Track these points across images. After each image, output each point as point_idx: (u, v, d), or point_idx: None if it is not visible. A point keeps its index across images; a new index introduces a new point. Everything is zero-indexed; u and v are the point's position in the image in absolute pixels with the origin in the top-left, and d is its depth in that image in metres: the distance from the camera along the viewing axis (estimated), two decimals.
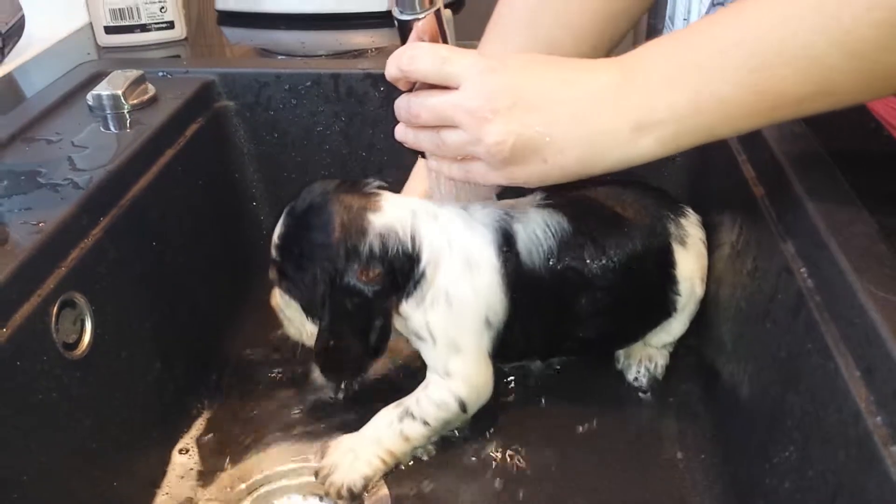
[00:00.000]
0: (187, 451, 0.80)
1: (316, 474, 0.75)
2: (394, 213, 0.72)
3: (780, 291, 0.62)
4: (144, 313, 0.76)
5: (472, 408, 0.75)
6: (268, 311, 0.81)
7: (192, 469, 0.79)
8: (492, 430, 0.79)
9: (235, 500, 0.76)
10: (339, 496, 0.73)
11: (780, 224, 0.65)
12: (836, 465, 0.50)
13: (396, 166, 0.97)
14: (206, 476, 0.78)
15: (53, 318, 0.62)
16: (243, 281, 1.00)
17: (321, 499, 0.77)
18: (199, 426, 0.83)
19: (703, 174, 0.89)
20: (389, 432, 0.74)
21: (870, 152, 0.68)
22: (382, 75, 0.92)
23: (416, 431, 0.74)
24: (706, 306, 0.81)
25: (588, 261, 0.74)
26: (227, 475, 0.78)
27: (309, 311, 0.75)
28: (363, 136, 0.97)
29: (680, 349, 0.86)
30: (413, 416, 0.74)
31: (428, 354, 0.74)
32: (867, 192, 0.60)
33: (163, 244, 0.80)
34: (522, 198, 0.78)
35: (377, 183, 0.75)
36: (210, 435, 0.82)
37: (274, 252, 0.75)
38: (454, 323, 0.72)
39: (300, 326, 0.78)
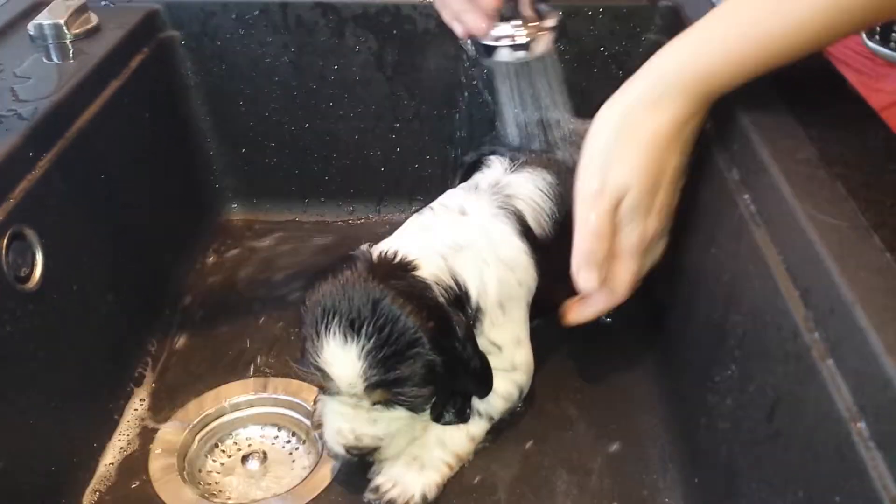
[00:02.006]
0: (142, 384, 0.81)
1: (376, 489, 0.70)
2: (427, 262, 0.67)
3: (725, 218, 0.65)
4: (95, 246, 0.75)
5: (526, 391, 0.76)
6: (218, 245, 0.80)
7: (147, 402, 0.79)
8: None
9: (193, 432, 0.77)
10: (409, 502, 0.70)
11: (725, 153, 0.67)
12: (776, 380, 0.53)
13: (348, 98, 0.97)
14: (163, 410, 0.79)
15: (3, 252, 0.61)
16: (193, 214, 0.99)
17: (279, 428, 0.78)
18: (154, 359, 0.84)
19: None
20: (457, 435, 0.72)
21: (815, 84, 0.70)
22: (332, 5, 0.92)
23: (481, 429, 0.73)
24: None
25: None
26: (183, 409, 0.78)
27: (418, 407, 0.67)
28: (313, 68, 0.95)
29: None
30: (480, 415, 0.73)
31: (495, 362, 0.71)
32: (809, 121, 0.62)
33: (111, 177, 0.79)
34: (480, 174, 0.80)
35: (365, 246, 0.69)
36: (166, 369, 0.83)
37: (366, 380, 0.63)
38: (512, 323, 0.73)
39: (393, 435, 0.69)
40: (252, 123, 0.99)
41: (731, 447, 0.61)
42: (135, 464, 0.73)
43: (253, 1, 0.93)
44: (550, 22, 0.75)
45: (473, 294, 0.69)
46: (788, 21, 0.57)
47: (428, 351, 0.63)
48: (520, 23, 0.74)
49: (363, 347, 0.61)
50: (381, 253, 0.67)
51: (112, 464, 0.73)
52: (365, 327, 0.61)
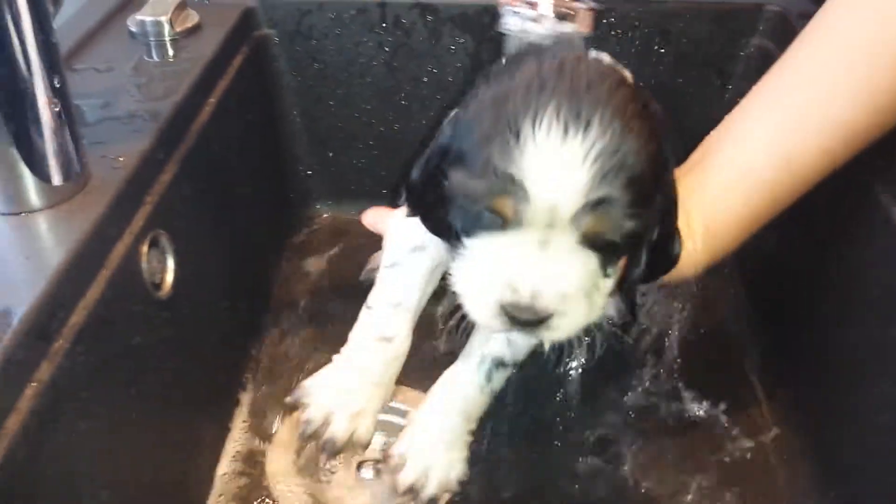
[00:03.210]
0: (252, 388, 0.80)
1: (410, 489, 0.60)
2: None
3: (878, 233, 0.63)
4: (214, 251, 0.74)
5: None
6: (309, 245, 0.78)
7: (257, 406, 0.79)
8: None
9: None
10: (448, 491, 0.61)
11: (877, 169, 0.65)
12: None
13: (441, 100, 0.95)
14: (271, 414, 0.78)
15: (144, 257, 0.60)
16: (284, 214, 0.98)
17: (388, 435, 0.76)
18: (259, 363, 0.83)
19: None
20: (479, 397, 0.62)
21: None
22: (432, 5, 0.91)
23: (502, 378, 0.63)
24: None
25: None
26: (291, 414, 0.77)
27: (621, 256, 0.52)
28: (408, 69, 0.93)
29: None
30: (505, 364, 0.62)
31: None
32: None
33: (225, 178, 0.78)
34: None
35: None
36: (272, 373, 0.82)
37: (590, 193, 0.45)
38: None
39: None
40: (342, 124, 0.97)
41: (884, 461, 0.60)
42: (251, 467, 0.73)
43: (349, 1, 0.91)
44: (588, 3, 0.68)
45: None
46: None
47: (658, 169, 0.47)
48: None
49: (593, 145, 0.44)
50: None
51: (228, 471, 0.73)
52: (598, 119, 0.44)
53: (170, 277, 0.64)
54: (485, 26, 0.91)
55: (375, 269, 0.70)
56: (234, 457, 0.74)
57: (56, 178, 0.55)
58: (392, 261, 0.62)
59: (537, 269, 0.46)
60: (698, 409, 0.78)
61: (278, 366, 0.83)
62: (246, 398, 0.79)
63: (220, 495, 0.71)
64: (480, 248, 0.48)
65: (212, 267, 0.73)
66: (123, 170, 0.60)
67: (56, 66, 0.53)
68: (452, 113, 0.52)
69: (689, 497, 0.71)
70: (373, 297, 0.63)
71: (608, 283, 0.50)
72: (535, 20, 0.66)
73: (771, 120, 0.61)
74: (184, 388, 0.67)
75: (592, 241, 0.46)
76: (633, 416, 0.77)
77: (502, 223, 0.47)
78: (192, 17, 0.84)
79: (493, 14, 0.91)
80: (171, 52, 0.80)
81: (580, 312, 0.48)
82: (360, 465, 0.74)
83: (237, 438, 0.75)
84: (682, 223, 0.57)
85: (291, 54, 0.93)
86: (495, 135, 0.45)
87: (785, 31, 0.85)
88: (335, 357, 0.63)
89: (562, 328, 0.48)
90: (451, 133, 0.49)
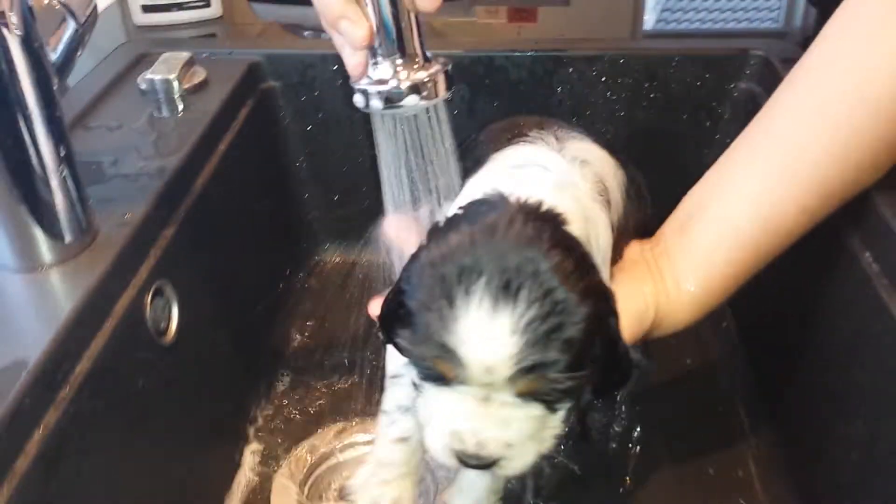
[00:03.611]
0: (257, 427, 0.84)
1: None
2: (573, 218, 0.53)
3: (843, 275, 0.66)
4: (216, 298, 0.78)
5: None
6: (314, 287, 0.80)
7: (263, 445, 0.82)
8: None
9: (307, 474, 0.79)
10: None
11: (843, 212, 0.68)
12: None
13: None
14: (277, 451, 0.81)
15: (148, 307, 0.64)
16: (289, 257, 1.02)
17: None
18: (265, 403, 0.87)
19: None
20: None
21: None
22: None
23: None
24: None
25: None
26: (297, 451, 0.81)
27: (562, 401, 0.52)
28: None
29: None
30: None
31: None
32: None
33: (226, 228, 0.82)
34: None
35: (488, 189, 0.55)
36: (277, 411, 0.86)
37: (519, 362, 0.47)
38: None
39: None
40: (345, 169, 1.01)
41: (854, 500, 0.62)
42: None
43: None
44: (439, 65, 0.61)
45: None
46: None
47: (591, 326, 0.48)
48: (402, 62, 0.59)
49: (521, 317, 0.46)
50: (520, 199, 0.51)
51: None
52: (525, 291, 0.46)
53: (174, 325, 0.68)
54: (479, 76, 0.95)
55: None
56: (243, 492, 0.77)
57: (65, 237, 0.60)
58: (393, 372, 0.66)
59: (479, 422, 0.49)
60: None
61: (286, 407, 0.86)
62: (256, 435, 0.83)
63: None
64: (432, 396, 0.52)
65: (217, 313, 0.78)
66: (128, 226, 0.64)
67: (62, 136, 0.58)
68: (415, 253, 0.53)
69: None
70: (385, 402, 0.66)
71: (558, 418, 0.52)
72: (389, 99, 0.59)
73: (751, 177, 0.62)
74: (189, 428, 0.71)
75: (531, 396, 0.49)
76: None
77: (446, 380, 0.50)
78: (200, 74, 0.89)
79: (486, 65, 0.95)
80: (179, 108, 0.85)
81: (528, 451, 0.52)
82: None
83: (246, 474, 0.79)
84: (670, 284, 0.61)
85: (296, 105, 0.98)
86: (432, 302, 0.48)
87: (770, 75, 0.88)
88: (368, 456, 0.68)
89: (512, 467, 0.52)
90: (405, 282, 0.51)
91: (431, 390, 0.51)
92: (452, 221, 0.51)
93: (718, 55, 0.94)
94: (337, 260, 1.07)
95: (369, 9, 0.57)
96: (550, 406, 0.51)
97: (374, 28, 0.57)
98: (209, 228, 0.78)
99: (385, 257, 0.73)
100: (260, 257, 0.92)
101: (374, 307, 0.61)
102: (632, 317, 0.60)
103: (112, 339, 0.59)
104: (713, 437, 0.81)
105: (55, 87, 0.58)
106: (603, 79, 0.95)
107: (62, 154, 0.58)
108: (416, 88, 0.59)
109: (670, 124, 0.96)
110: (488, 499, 0.69)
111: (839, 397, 0.65)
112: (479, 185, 0.58)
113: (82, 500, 0.55)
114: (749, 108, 0.68)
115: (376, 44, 0.58)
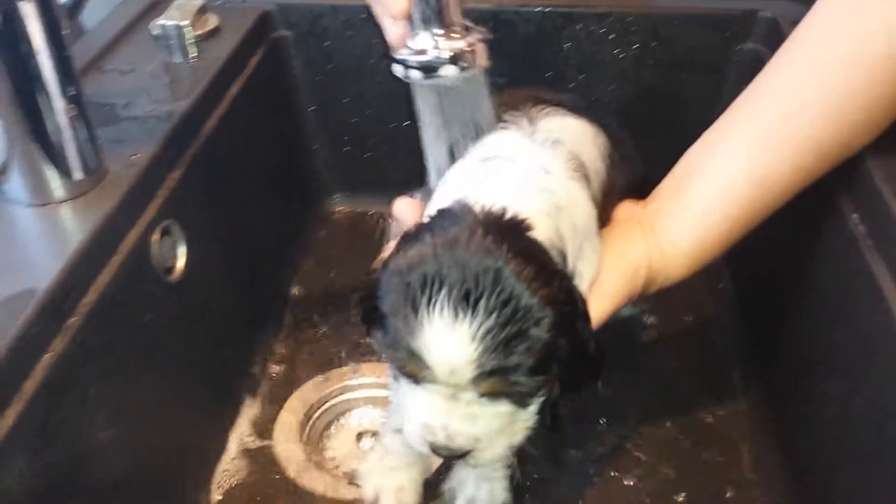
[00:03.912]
0: (261, 370, 0.87)
1: None
2: (540, 223, 0.55)
3: (832, 236, 0.67)
4: (223, 241, 0.81)
5: None
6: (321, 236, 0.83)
7: (267, 386, 0.85)
8: None
9: (311, 413, 0.83)
10: None
11: (834, 173, 0.69)
12: (884, 399, 0.56)
13: None
14: (281, 393, 0.84)
15: (155, 245, 0.67)
16: (298, 206, 1.04)
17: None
18: (270, 346, 0.90)
19: None
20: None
21: None
22: None
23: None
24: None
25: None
26: (300, 391, 0.84)
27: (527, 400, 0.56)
28: None
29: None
30: None
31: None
32: None
33: (235, 173, 0.84)
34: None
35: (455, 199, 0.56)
36: (282, 355, 0.89)
37: (479, 366, 0.50)
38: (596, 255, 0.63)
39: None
40: (355, 120, 1.03)
41: (829, 455, 0.64)
42: (258, 444, 0.79)
43: (361, 4, 0.96)
44: (478, 34, 0.61)
45: (570, 263, 0.57)
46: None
47: (554, 331, 0.51)
48: (441, 32, 0.59)
49: (480, 326, 0.49)
50: (484, 207, 0.54)
51: (238, 446, 0.79)
52: (484, 301, 0.49)
53: (180, 263, 0.71)
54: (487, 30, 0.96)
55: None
56: (245, 430, 0.80)
57: (75, 174, 0.62)
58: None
59: (447, 418, 0.53)
60: None
61: (290, 350, 0.89)
62: (258, 376, 0.86)
63: (233, 458, 0.78)
64: (407, 391, 0.55)
65: (224, 255, 0.80)
66: (136, 166, 0.67)
67: (71, 78, 0.60)
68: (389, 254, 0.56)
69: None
70: (391, 392, 0.69)
71: (530, 412, 0.56)
72: (428, 69, 0.59)
73: (748, 135, 0.64)
74: (193, 365, 0.74)
75: (495, 394, 0.53)
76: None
77: (417, 379, 0.54)
78: (212, 21, 0.90)
79: (495, 19, 0.96)
80: (191, 54, 0.86)
81: (498, 444, 0.55)
82: (359, 437, 0.81)
83: (249, 413, 0.82)
84: (664, 241, 0.63)
85: (306, 54, 0.99)
86: (399, 309, 0.51)
87: (777, 37, 0.88)
88: (376, 446, 0.73)
89: (485, 457, 0.56)
90: (378, 287, 0.54)
91: (406, 385, 0.55)
92: (420, 231, 0.54)
93: (726, 15, 0.94)
94: (345, 210, 1.09)
95: None
96: (518, 403, 0.54)
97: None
98: (217, 173, 0.80)
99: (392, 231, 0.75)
100: (268, 204, 0.94)
101: (401, 207, 0.66)
102: (625, 274, 0.63)
103: (119, 274, 0.61)
104: (707, 393, 0.83)
105: (65, 30, 0.59)
106: (611, 37, 0.95)
107: (72, 94, 0.60)
108: (455, 58, 0.59)
109: (676, 84, 0.97)
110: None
111: (822, 356, 0.67)
112: (450, 187, 0.60)
113: (86, 425, 0.58)
114: (755, 70, 0.68)
115: (416, 14, 0.59)
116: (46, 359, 0.53)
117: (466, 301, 0.49)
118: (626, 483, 0.75)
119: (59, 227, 0.61)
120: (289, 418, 0.81)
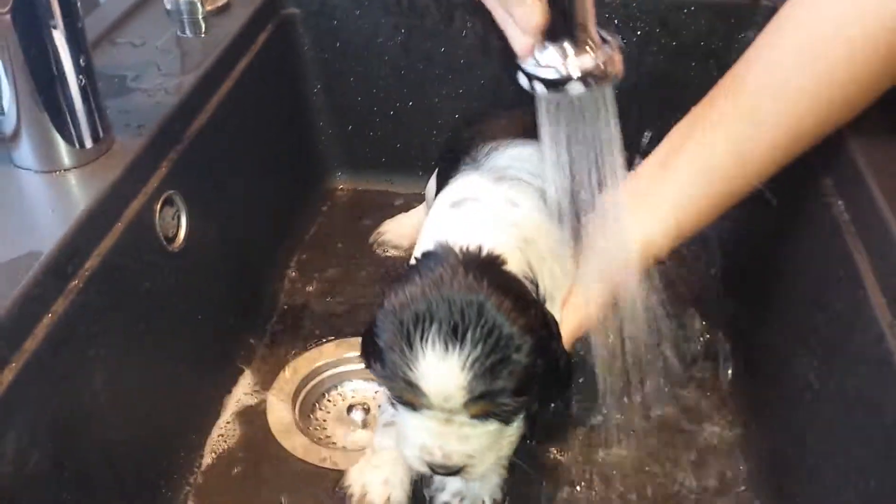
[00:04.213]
0: (258, 339, 0.89)
1: None
2: (511, 256, 0.62)
3: (815, 221, 0.69)
4: (225, 214, 0.83)
5: None
6: (324, 210, 0.86)
7: (262, 357, 0.88)
8: None
9: (304, 384, 0.85)
10: None
11: (820, 159, 0.70)
12: (857, 380, 0.57)
13: (452, 80, 1.02)
14: (275, 364, 0.87)
15: (157, 215, 0.69)
16: (302, 182, 1.06)
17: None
18: (268, 316, 0.92)
19: None
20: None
21: None
22: None
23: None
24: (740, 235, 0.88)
25: None
26: (294, 364, 0.86)
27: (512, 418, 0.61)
28: (421, 49, 1.00)
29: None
30: None
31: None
32: None
33: (240, 147, 0.86)
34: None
35: (436, 242, 0.62)
36: (279, 325, 0.91)
37: (469, 392, 0.56)
38: (566, 277, 0.68)
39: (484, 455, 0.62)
40: (360, 98, 1.05)
41: (804, 436, 0.66)
42: (253, 411, 0.82)
43: None
44: (609, 48, 0.58)
45: (542, 290, 0.64)
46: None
47: (533, 354, 0.57)
48: (572, 47, 0.57)
49: (468, 356, 0.54)
50: (462, 247, 0.60)
51: (233, 412, 0.81)
52: (470, 333, 0.55)
53: (182, 233, 0.73)
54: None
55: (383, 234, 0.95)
56: (240, 399, 0.83)
57: (82, 143, 0.65)
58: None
59: (443, 439, 0.59)
60: None
61: (286, 324, 0.91)
62: (257, 347, 0.88)
63: (228, 422, 0.80)
64: (405, 416, 0.61)
65: (225, 228, 0.82)
66: (143, 137, 0.69)
67: (82, 49, 0.63)
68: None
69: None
70: (381, 395, 0.75)
71: (514, 428, 0.62)
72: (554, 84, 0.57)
73: (728, 112, 0.65)
74: (192, 333, 0.76)
75: (485, 416, 0.58)
76: None
77: (414, 406, 0.59)
78: None
79: None
80: (202, 29, 0.88)
81: (488, 459, 0.62)
82: (349, 409, 0.83)
83: (245, 381, 0.84)
84: (652, 215, 0.65)
85: (314, 33, 1.01)
86: (395, 344, 0.56)
87: None
88: (368, 448, 0.75)
89: (477, 471, 0.62)
90: (375, 324, 0.59)
91: (404, 412, 0.61)
92: (409, 273, 0.60)
93: (730, 3, 0.95)
94: (348, 188, 1.11)
95: None
96: (504, 420, 0.60)
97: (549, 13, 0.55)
98: (222, 147, 0.82)
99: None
100: (271, 180, 0.96)
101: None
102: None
103: (121, 241, 0.64)
104: (688, 375, 0.84)
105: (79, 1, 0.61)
106: (615, 21, 0.96)
107: (82, 64, 0.62)
108: (585, 76, 0.57)
109: (679, 71, 0.98)
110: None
111: (802, 340, 0.68)
112: (430, 232, 0.67)
113: (84, 384, 0.60)
114: None
115: (549, 28, 0.56)
116: (47, 319, 0.56)
117: (455, 334, 0.55)
118: (601, 457, 0.77)
119: (66, 194, 0.64)
120: (283, 387, 0.83)
